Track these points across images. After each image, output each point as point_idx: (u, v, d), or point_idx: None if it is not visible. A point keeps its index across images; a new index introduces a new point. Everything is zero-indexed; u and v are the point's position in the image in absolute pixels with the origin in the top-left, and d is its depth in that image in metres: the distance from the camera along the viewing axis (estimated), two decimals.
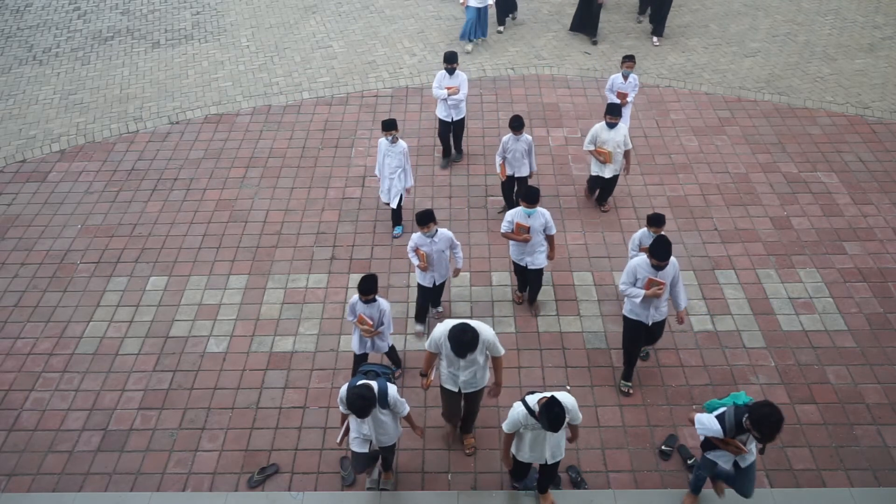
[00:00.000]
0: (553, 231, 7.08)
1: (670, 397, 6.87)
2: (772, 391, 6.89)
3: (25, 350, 7.40)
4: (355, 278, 8.06)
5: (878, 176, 9.43)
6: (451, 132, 9.35)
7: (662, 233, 6.38)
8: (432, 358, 5.90)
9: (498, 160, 8.24)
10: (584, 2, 12.04)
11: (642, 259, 6.17)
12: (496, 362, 5.84)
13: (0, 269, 8.34)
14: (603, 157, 8.22)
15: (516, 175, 8.30)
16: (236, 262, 8.35)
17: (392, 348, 6.69)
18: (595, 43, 12.15)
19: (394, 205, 8.27)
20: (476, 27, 11.82)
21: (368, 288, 6.04)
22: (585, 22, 12.23)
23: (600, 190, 8.78)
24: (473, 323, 5.47)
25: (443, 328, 5.52)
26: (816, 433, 6.54)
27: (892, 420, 6.63)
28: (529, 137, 8.12)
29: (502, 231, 7.08)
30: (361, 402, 5.02)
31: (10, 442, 6.57)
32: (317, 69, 11.72)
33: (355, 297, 6.20)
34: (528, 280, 7.48)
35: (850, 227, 8.68)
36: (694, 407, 6.73)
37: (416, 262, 6.87)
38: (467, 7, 11.63)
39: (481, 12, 11.72)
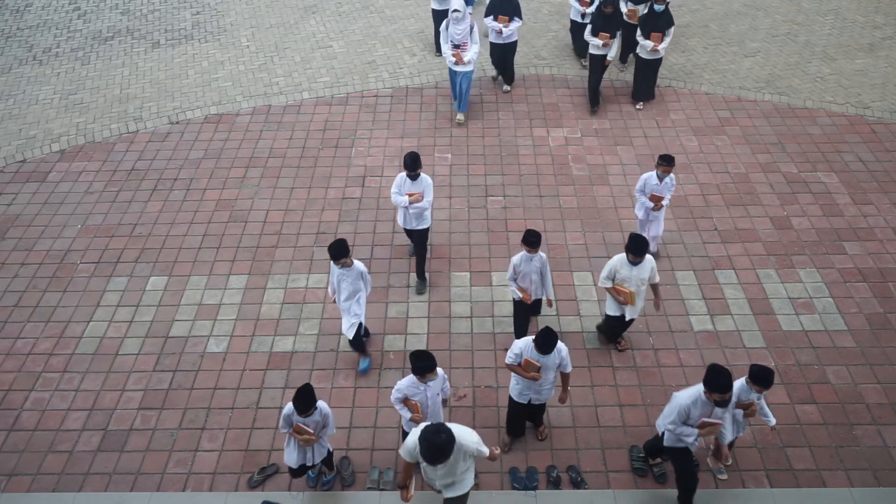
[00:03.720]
0: (569, 369, 5.86)
1: (671, 397, 6.86)
2: (772, 391, 6.86)
3: (25, 350, 7.40)
4: None
5: (878, 176, 9.43)
6: (411, 237, 7.92)
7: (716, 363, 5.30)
8: (410, 468, 5.16)
9: (512, 286, 6.82)
10: (595, 66, 10.28)
11: (697, 395, 5.28)
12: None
13: (0, 269, 8.34)
14: (623, 298, 6.63)
15: (533, 298, 6.89)
16: (236, 262, 8.34)
17: (329, 453, 5.99)
18: (595, 112, 10.57)
19: (350, 335, 6.78)
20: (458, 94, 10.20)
21: (306, 406, 5.24)
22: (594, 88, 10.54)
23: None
24: (455, 428, 4.72)
25: (417, 433, 4.75)
26: (816, 433, 6.54)
27: (892, 420, 6.63)
28: (544, 255, 6.68)
29: (507, 362, 5.83)
30: None
31: (10, 442, 6.57)
32: (317, 69, 11.72)
33: (289, 406, 5.35)
34: (531, 414, 6.29)
35: (850, 227, 8.67)
36: None
37: (407, 415, 5.64)
38: (449, 70, 10.08)
39: (459, 77, 10.00)
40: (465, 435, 4.82)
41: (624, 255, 6.52)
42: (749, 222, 8.77)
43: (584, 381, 7.03)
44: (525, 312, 7.07)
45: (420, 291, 7.94)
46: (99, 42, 12.68)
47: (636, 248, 6.34)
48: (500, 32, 10.22)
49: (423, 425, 4.72)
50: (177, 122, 10.62)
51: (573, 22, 11.38)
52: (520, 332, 7.07)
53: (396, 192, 7.37)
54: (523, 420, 6.30)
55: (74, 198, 9.30)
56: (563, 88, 11.19)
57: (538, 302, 7.09)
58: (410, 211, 7.43)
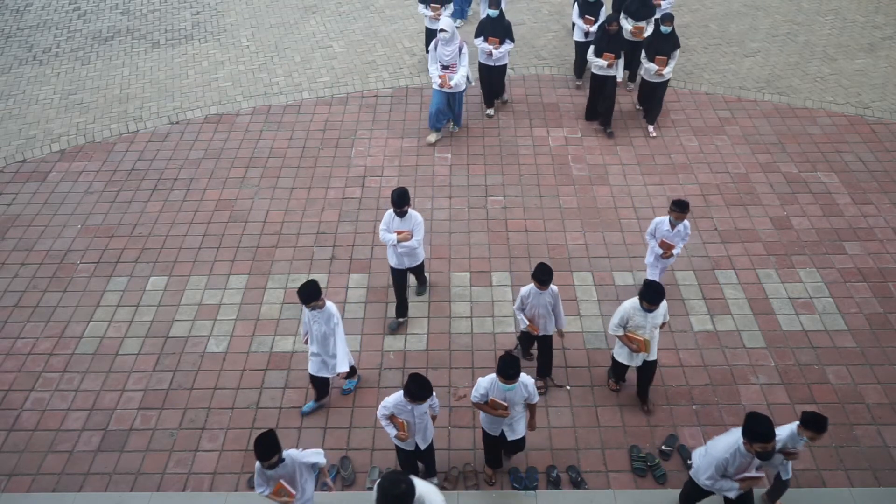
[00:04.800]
0: (535, 400, 5.67)
1: (670, 397, 6.87)
2: (772, 391, 6.89)
3: (25, 350, 7.40)
4: (356, 278, 8.07)
5: (878, 176, 9.43)
6: (406, 278, 7.51)
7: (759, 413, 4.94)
8: None
9: (519, 315, 6.48)
10: (595, 86, 10.01)
11: (736, 446, 4.95)
12: None
13: (0, 269, 8.34)
14: (636, 346, 6.15)
15: (540, 333, 6.55)
16: (236, 262, 8.35)
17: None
18: (611, 134, 10.08)
19: (333, 373, 6.43)
20: (441, 115, 9.87)
21: (266, 453, 4.80)
22: (599, 109, 10.16)
23: (638, 381, 6.68)
24: (422, 485, 4.36)
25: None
26: None
27: (892, 420, 6.63)
28: (556, 289, 6.38)
29: (473, 401, 5.65)
30: None
31: (10, 442, 6.57)
32: (317, 69, 11.72)
33: (258, 463, 4.95)
34: (506, 451, 6.10)
35: (850, 227, 8.68)
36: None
37: (393, 432, 5.50)
38: (433, 91, 9.71)
39: (453, 98, 9.81)
40: (432, 498, 4.40)
41: (636, 300, 6.04)
42: (749, 222, 8.77)
43: (584, 381, 7.03)
44: (530, 342, 6.95)
45: (420, 293, 7.91)
46: (99, 42, 12.68)
47: (652, 296, 5.88)
48: (491, 54, 9.81)
49: (385, 472, 4.40)
50: (177, 122, 10.62)
51: (577, 42, 10.76)
52: (526, 354, 7.09)
53: (385, 229, 6.96)
54: (500, 451, 6.07)
55: (74, 198, 9.30)
56: (563, 88, 11.19)
57: (548, 341, 6.70)
58: (399, 250, 7.04)
